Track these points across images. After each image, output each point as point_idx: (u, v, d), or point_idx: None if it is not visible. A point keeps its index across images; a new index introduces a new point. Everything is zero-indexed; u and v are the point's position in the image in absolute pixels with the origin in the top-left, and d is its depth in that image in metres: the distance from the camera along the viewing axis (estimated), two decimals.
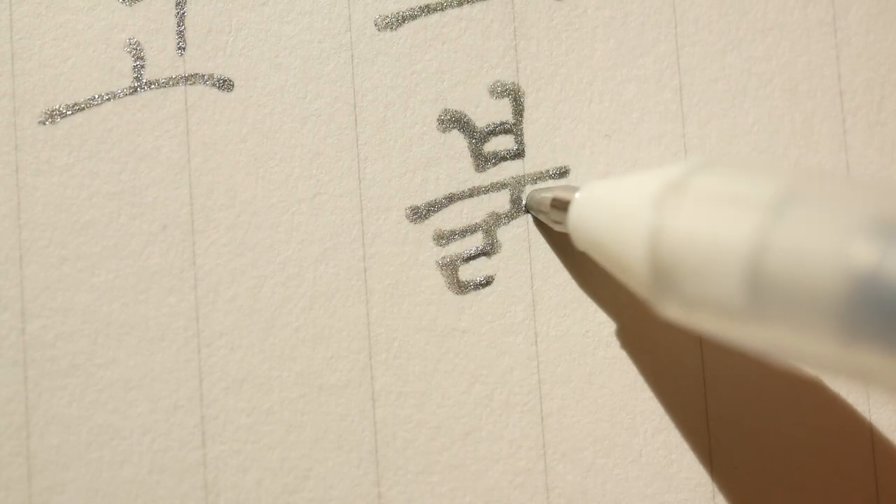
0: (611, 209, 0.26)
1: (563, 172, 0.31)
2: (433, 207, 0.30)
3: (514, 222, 0.30)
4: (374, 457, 0.29)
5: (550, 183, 0.30)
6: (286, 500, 0.29)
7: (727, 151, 0.31)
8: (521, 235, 0.30)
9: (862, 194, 0.21)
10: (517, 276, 0.30)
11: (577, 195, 0.27)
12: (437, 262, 0.30)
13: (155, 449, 0.29)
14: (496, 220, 0.30)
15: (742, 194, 0.22)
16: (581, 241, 0.27)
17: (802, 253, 0.20)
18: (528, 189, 0.30)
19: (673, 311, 0.24)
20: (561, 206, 0.28)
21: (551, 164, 0.31)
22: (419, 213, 0.30)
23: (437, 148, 0.30)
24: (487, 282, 0.30)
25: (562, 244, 0.30)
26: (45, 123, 0.29)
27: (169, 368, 0.29)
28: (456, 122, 0.30)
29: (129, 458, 0.28)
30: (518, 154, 0.31)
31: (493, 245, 0.30)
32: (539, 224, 0.30)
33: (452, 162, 0.30)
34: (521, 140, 0.31)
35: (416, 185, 0.30)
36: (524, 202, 0.30)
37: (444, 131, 0.30)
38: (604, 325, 0.30)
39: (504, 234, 0.30)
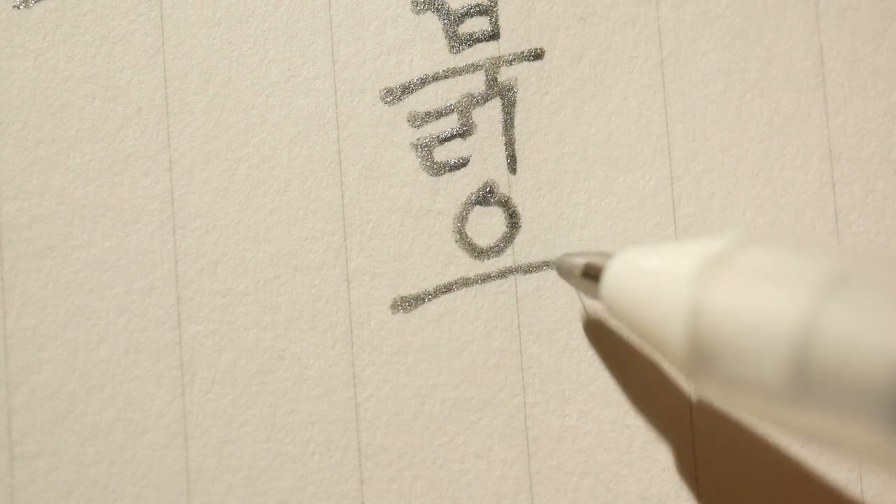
0: (647, 281, 0.24)
1: (538, 55, 0.30)
2: (407, 89, 0.30)
3: (488, 104, 0.30)
4: (349, 337, 0.29)
5: (581, 248, 0.29)
6: (261, 379, 0.29)
7: (701, 35, 0.31)
8: (496, 117, 0.30)
9: None
10: (492, 157, 0.30)
11: (610, 263, 0.26)
12: (411, 143, 0.30)
13: (131, 329, 0.29)
14: (471, 101, 0.30)
15: (790, 273, 0.21)
16: (615, 311, 0.26)
17: (851, 337, 0.19)
18: (559, 254, 0.29)
19: (710, 391, 0.23)
20: (593, 273, 0.27)
21: (526, 46, 0.30)
22: (393, 95, 0.30)
23: (412, 30, 0.30)
24: (462, 163, 0.30)
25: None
26: (19, 8, 0.29)
27: (144, 250, 0.29)
28: (430, 3, 0.30)
29: (105, 338, 0.29)
30: (493, 35, 0.30)
31: (467, 126, 0.30)
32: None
33: (427, 43, 0.30)
34: (496, 21, 0.30)
35: (390, 67, 0.30)
36: (556, 267, 0.29)
37: (418, 13, 0.30)
38: (579, 206, 0.30)
39: (479, 115, 0.30)
